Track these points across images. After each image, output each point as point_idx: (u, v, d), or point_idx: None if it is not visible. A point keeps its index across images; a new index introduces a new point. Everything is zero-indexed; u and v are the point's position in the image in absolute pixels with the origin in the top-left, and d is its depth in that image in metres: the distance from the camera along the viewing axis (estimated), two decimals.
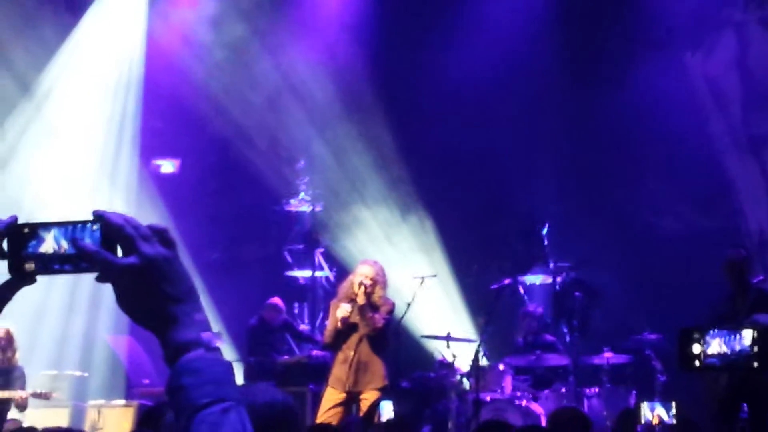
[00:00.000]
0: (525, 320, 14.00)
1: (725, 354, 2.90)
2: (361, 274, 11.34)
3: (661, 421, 6.68)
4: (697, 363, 2.94)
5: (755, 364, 2.86)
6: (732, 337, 2.87)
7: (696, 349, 2.93)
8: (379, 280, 11.33)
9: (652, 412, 6.95)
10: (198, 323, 2.15)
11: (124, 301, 2.17)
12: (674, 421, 6.63)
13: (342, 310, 11.20)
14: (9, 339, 12.20)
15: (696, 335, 2.94)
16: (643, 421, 6.66)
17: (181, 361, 2.11)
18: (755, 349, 2.83)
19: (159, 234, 2.16)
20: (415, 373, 13.97)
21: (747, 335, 2.85)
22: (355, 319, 11.23)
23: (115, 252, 2.14)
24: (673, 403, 6.79)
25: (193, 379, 2.09)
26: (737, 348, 2.87)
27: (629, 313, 14.66)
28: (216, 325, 15.98)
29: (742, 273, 10.50)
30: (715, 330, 2.92)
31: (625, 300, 15.33)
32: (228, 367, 2.14)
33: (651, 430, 6.41)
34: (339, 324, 11.20)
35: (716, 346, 2.91)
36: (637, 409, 6.68)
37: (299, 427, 2.44)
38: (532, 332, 13.83)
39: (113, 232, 2.13)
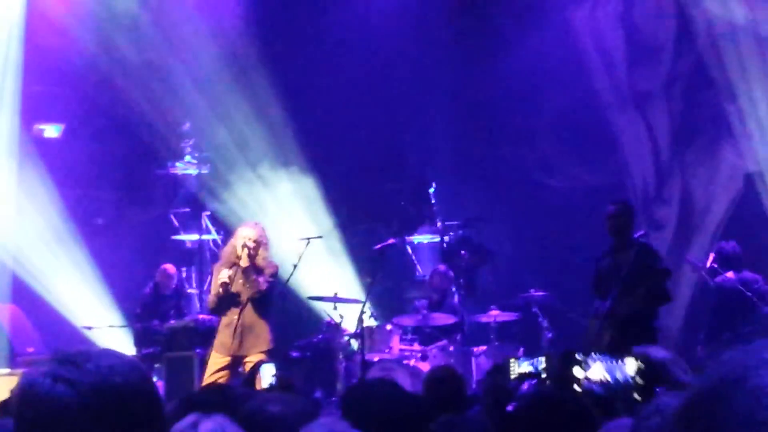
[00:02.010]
0: (434, 279, 13.93)
1: (607, 381, 2.83)
2: (243, 237, 11.24)
3: (532, 374, 6.71)
4: (577, 387, 2.86)
5: (637, 397, 2.78)
6: (615, 363, 2.79)
7: (577, 372, 2.85)
8: (262, 242, 11.24)
9: (521, 366, 6.98)
10: None
11: None
12: (544, 375, 6.66)
13: (222, 275, 11.09)
14: None
15: (578, 358, 2.87)
16: (515, 376, 6.69)
17: None
18: (638, 380, 2.76)
19: None
20: (300, 341, 13.88)
21: (630, 364, 2.77)
22: (239, 283, 11.14)
23: None
24: (543, 358, 6.80)
25: None
26: (619, 377, 2.80)
27: (517, 271, 14.74)
28: (104, 290, 15.79)
29: (623, 227, 10.59)
30: (598, 354, 2.85)
31: (512, 258, 15.42)
32: None
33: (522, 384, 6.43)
34: (220, 290, 11.10)
35: (598, 371, 2.83)
36: (506, 364, 6.70)
37: (149, 392, 2.36)
38: (439, 291, 13.77)
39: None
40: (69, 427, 2.19)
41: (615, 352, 9.77)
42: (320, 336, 13.66)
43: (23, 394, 2.27)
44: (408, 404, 4.93)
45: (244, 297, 11.16)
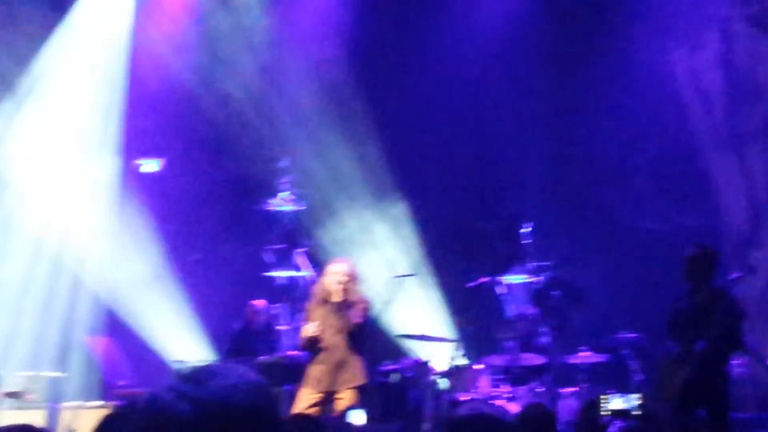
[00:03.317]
0: (519, 322, 13.86)
1: None
2: (336, 273, 11.31)
3: (624, 412, 6.67)
4: None
5: None
6: None
7: None
8: (353, 277, 11.31)
9: (612, 402, 6.93)
10: None
11: None
12: (639, 412, 6.63)
13: (307, 329, 11.18)
14: None
15: None
16: (606, 413, 6.65)
17: None
18: None
19: None
20: (383, 367, 13.78)
21: None
22: (332, 318, 11.15)
23: None
24: (637, 395, 6.76)
25: None
26: None
27: (608, 312, 14.62)
28: (196, 325, 15.93)
29: (701, 271, 10.55)
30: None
31: (604, 299, 15.29)
32: None
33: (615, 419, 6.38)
34: (311, 333, 11.15)
35: None
36: (599, 400, 6.67)
37: (271, 414, 2.38)
38: (524, 335, 13.70)
39: None
40: None
41: (688, 393, 9.82)
42: (409, 374, 13.59)
43: (147, 407, 2.30)
44: None
45: (337, 332, 11.19)
